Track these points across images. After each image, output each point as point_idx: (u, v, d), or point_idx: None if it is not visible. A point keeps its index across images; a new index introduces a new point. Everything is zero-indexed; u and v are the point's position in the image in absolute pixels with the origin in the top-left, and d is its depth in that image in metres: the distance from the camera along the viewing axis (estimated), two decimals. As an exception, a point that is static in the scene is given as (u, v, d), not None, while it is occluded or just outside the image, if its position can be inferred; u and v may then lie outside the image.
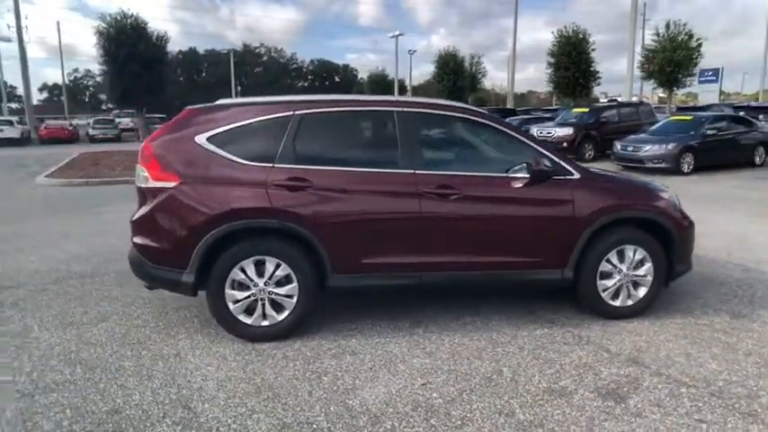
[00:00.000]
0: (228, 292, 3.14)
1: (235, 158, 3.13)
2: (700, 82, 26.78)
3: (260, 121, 3.21)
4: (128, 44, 12.58)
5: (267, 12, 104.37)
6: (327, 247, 3.13)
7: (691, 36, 17.49)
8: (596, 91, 25.99)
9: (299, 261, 3.16)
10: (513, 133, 3.46)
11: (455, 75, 27.13)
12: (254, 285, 3.15)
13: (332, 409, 2.48)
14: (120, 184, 10.88)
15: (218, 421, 2.38)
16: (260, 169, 3.13)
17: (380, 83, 39.05)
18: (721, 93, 31.62)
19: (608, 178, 3.66)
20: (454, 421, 2.37)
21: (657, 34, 18.04)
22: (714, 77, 27.48)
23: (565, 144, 13.23)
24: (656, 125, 12.46)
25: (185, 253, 3.08)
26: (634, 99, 19.84)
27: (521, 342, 3.21)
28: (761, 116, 13.01)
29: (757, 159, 11.64)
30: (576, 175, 3.40)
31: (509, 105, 27.00)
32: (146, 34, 13.27)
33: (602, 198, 3.40)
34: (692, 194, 8.17)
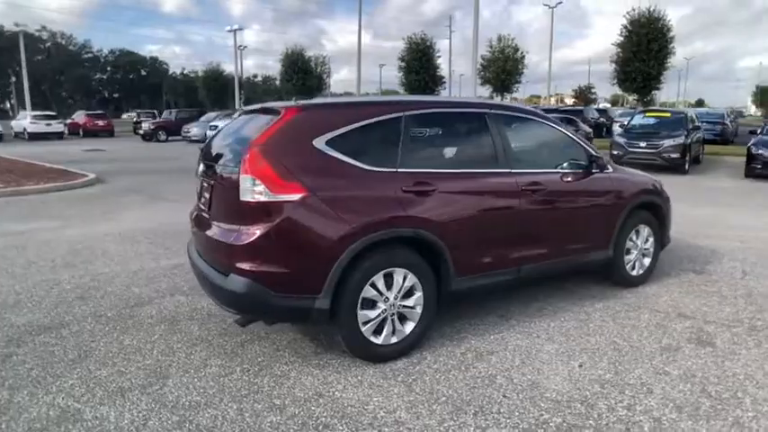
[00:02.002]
0: (360, 312, 2.84)
1: (359, 164, 2.83)
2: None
3: (375, 122, 2.95)
4: None
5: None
6: (451, 251, 3.08)
7: (516, 49, 21.21)
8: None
9: (424, 268, 3.03)
10: (566, 132, 3.92)
11: (304, 74, 26.89)
12: (385, 301, 2.92)
13: (543, 405, 2.53)
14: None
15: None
16: (387, 175, 2.90)
17: (218, 79, 35.91)
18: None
19: (626, 171, 4.41)
20: (639, 388, 2.69)
21: (491, 46, 21.34)
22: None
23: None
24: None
25: (320, 275, 2.67)
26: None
27: (598, 316, 3.69)
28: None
29: (584, 153, 14.87)
30: (610, 169, 4.05)
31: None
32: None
33: (630, 187, 4.12)
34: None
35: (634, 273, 4.29)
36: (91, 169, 12.03)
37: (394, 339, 2.99)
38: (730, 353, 3.11)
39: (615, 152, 11.62)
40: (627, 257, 4.21)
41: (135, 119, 30.91)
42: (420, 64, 22.74)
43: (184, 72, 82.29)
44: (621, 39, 18.14)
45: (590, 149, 3.94)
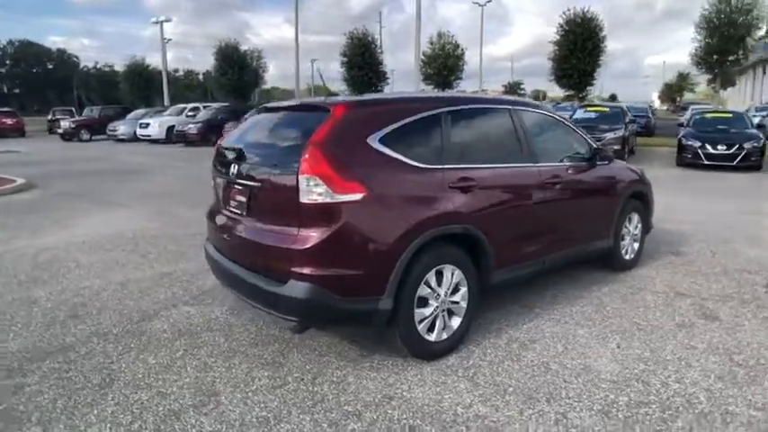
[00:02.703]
0: (416, 310, 2.81)
1: (410, 161, 2.78)
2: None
3: (420, 118, 2.92)
4: None
5: None
6: (492, 245, 3.13)
7: (457, 46, 21.80)
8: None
9: (468, 263, 3.06)
10: (572, 126, 4.12)
11: (240, 69, 25.77)
12: (436, 298, 2.91)
13: (604, 386, 2.66)
14: None
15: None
16: (435, 171, 2.88)
17: (143, 74, 33.31)
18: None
19: (621, 162, 4.70)
20: (678, 363, 2.91)
21: (431, 43, 21.73)
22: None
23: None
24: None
25: (383, 275, 2.61)
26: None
27: (609, 300, 3.92)
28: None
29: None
30: (615, 161, 4.32)
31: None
32: None
33: (625, 177, 4.43)
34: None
35: (627, 257, 4.62)
36: (13, 173, 10.79)
37: (444, 335, 2.99)
38: (736, 325, 3.45)
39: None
40: (622, 243, 4.52)
41: (50, 117, 28.05)
42: (363, 59, 22.75)
43: (98, 66, 75.78)
44: (558, 37, 19.41)
45: (592, 142, 4.18)
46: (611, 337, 3.26)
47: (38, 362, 2.96)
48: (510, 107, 3.55)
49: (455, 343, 3.05)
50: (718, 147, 10.81)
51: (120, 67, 40.99)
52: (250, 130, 3.25)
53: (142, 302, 3.91)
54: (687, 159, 11.17)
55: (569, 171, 3.83)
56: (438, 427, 2.33)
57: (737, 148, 10.68)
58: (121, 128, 22.73)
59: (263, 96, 47.23)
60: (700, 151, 10.96)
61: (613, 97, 53.77)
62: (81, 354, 3.07)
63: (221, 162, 3.21)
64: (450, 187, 2.93)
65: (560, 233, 3.75)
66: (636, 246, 4.72)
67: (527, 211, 3.46)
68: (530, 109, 3.82)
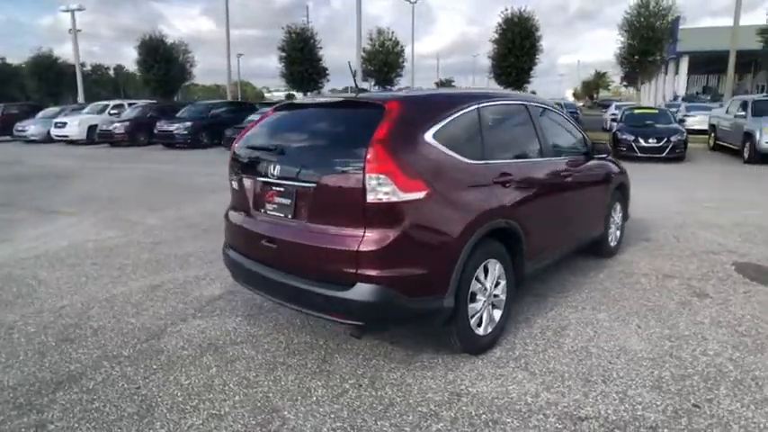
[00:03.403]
0: (470, 306, 2.82)
1: (460, 157, 2.78)
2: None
3: (462, 114, 2.92)
4: None
5: None
6: (527, 238, 3.22)
7: (397, 43, 22.04)
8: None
9: (506, 257, 3.13)
10: (571, 121, 4.33)
11: (167, 63, 24.08)
12: (483, 292, 2.94)
13: (646, 364, 2.83)
14: None
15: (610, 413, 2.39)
16: (480, 167, 2.91)
17: (52, 67, 29.86)
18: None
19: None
20: (696, 338, 3.17)
21: (371, 39, 21.77)
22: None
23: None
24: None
25: (447, 273, 2.59)
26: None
27: (610, 284, 4.19)
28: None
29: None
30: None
31: (230, 97, 26.13)
32: None
33: (612, 170, 4.74)
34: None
35: (612, 244, 4.95)
36: None
37: (489, 329, 3.03)
38: (725, 300, 3.83)
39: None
40: (609, 231, 4.84)
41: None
42: (302, 55, 22.23)
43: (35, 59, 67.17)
44: (497, 36, 20.34)
45: (587, 136, 4.43)
46: (630, 319, 3.49)
47: (48, 395, 2.59)
48: (525, 102, 3.66)
49: (497, 336, 3.11)
50: (650, 140, 11.95)
51: (13, 59, 36.62)
52: (279, 129, 3.06)
53: (142, 319, 3.56)
54: (622, 152, 12.21)
55: (577, 164, 4.04)
56: (518, 418, 2.36)
57: (666, 141, 11.88)
58: (32, 127, 20.44)
59: (185, 93, 44.43)
60: (633, 144, 12.04)
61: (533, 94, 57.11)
62: (98, 381, 2.73)
63: (247, 163, 3.00)
64: (494, 182, 2.97)
65: (571, 224, 3.95)
66: (618, 234, 5.08)
67: (550, 204, 3.59)
68: (540, 105, 3.97)
